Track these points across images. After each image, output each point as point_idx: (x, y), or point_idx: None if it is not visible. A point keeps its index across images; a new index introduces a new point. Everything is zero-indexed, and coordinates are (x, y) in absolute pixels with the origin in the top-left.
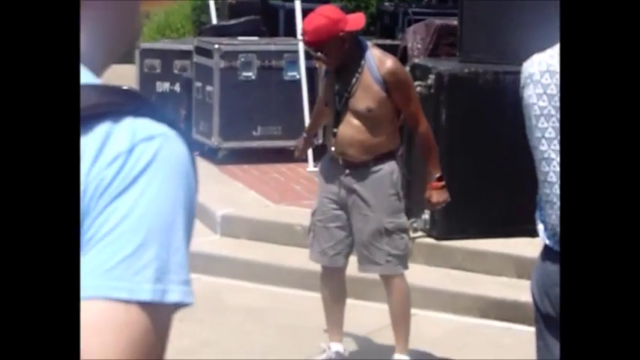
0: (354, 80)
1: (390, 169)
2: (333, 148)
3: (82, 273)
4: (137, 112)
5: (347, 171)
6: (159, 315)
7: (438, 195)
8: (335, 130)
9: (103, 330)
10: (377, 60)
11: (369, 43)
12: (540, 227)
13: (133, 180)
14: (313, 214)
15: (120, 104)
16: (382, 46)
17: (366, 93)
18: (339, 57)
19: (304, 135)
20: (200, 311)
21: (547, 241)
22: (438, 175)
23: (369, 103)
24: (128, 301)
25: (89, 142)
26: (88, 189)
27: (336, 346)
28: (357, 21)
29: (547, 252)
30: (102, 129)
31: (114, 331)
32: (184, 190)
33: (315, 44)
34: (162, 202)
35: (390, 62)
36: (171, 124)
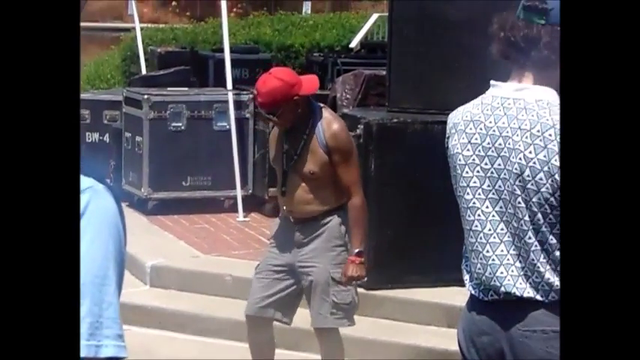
0: (302, 143)
1: (338, 220)
2: (284, 207)
3: None
4: None
5: (297, 227)
6: None
7: (354, 270)
8: (283, 189)
9: None
10: (325, 123)
11: (320, 105)
12: (466, 277)
13: None
14: (256, 268)
15: None
16: (312, 97)
17: (312, 156)
18: (292, 119)
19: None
20: None
21: (472, 291)
22: (358, 250)
23: (313, 166)
24: None
25: None
26: None
27: None
28: (310, 84)
29: (473, 301)
30: None
31: None
32: (114, 242)
33: (268, 106)
34: (94, 256)
35: (335, 126)
36: (99, 178)
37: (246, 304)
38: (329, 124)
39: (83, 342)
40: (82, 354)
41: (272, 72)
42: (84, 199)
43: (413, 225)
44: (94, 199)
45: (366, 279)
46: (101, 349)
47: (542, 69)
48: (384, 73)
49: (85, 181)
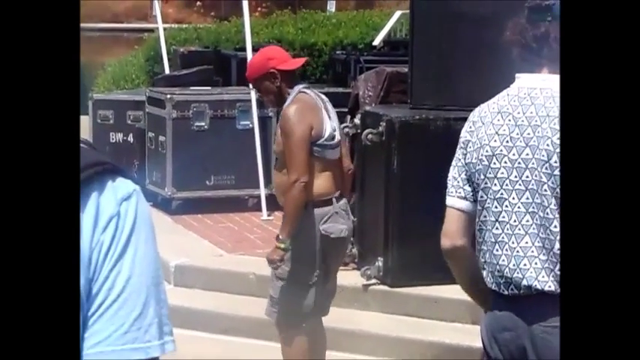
0: (278, 123)
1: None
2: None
3: (99, 339)
4: (114, 171)
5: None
6: None
7: (270, 252)
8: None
9: None
10: (289, 104)
11: (302, 89)
12: (485, 273)
13: (127, 241)
14: None
15: (102, 164)
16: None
17: (278, 136)
18: (272, 94)
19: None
20: None
21: (493, 286)
22: (277, 234)
23: (277, 145)
24: None
25: (87, 208)
26: (92, 256)
27: None
28: (291, 62)
29: (495, 297)
30: (93, 192)
31: None
32: (156, 242)
33: (249, 79)
34: (150, 258)
35: (290, 108)
36: (135, 179)
37: None
38: (289, 105)
39: (157, 342)
40: (157, 354)
41: (261, 49)
42: (133, 202)
43: (436, 221)
44: (139, 200)
45: (279, 265)
46: (166, 346)
47: (557, 63)
48: (406, 70)
49: (130, 184)
